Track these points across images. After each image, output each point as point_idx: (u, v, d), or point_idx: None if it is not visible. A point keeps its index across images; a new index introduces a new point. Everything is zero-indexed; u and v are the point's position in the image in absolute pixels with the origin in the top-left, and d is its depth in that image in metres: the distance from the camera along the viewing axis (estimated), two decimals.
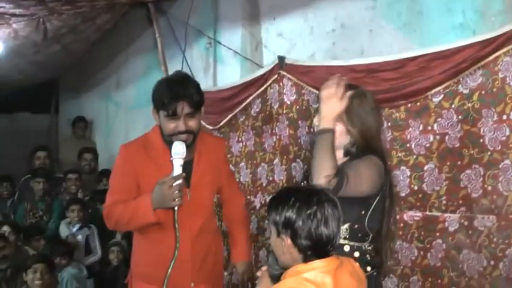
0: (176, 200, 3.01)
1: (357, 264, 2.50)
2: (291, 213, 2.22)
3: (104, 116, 8.69)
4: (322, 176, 2.55)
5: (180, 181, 3.02)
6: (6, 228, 5.68)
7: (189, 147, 3.15)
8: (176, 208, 3.06)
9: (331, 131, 2.65)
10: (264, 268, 2.55)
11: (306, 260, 2.23)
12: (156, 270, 3.21)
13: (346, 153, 2.80)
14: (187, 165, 3.18)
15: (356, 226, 2.71)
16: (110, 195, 3.31)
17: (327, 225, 2.19)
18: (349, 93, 2.73)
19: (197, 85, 3.21)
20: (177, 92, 3.08)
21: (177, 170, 3.04)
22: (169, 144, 3.11)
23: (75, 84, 9.42)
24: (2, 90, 8.76)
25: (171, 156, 3.06)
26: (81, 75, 9.05)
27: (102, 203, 6.19)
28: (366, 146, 2.77)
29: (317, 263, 2.22)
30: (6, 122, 10.05)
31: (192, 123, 3.13)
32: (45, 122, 10.12)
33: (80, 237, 6.14)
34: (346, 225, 2.69)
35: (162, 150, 3.20)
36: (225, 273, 3.64)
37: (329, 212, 2.21)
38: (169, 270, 3.11)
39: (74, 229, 6.18)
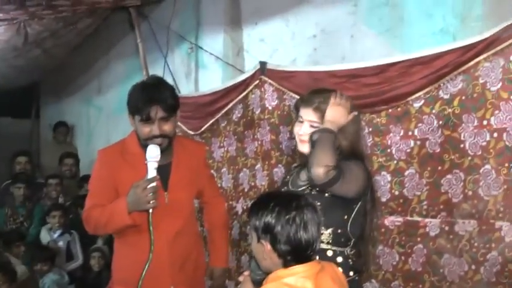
0: (150, 202, 3.01)
1: (339, 269, 2.51)
2: (270, 218, 2.22)
3: (86, 121, 8.63)
4: (322, 165, 2.56)
5: (154, 184, 3.02)
6: None
7: (165, 150, 3.16)
8: (151, 211, 3.04)
9: (334, 134, 2.68)
10: (246, 273, 2.55)
11: (286, 265, 2.24)
12: (133, 274, 3.18)
13: None
14: (165, 169, 3.20)
15: (339, 231, 2.71)
16: (89, 199, 3.32)
17: (306, 230, 2.20)
18: (355, 113, 2.81)
19: (172, 89, 3.23)
20: (151, 97, 3.10)
21: (152, 173, 3.04)
22: (145, 148, 3.11)
23: (56, 88, 9.35)
24: None
25: (146, 160, 3.07)
26: (63, 80, 8.99)
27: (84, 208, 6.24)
28: (350, 150, 2.79)
29: (298, 268, 2.22)
30: None
31: (167, 127, 3.15)
32: (26, 126, 10.01)
33: (61, 243, 6.10)
34: (329, 230, 2.70)
35: (138, 155, 3.20)
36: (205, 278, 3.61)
37: (308, 217, 2.22)
38: (143, 273, 3.10)
39: (55, 235, 6.13)
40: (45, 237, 6.14)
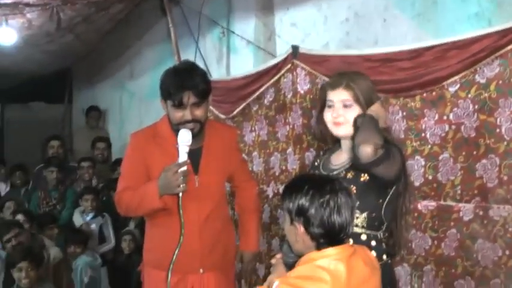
0: (180, 186, 3.05)
1: (371, 252, 2.51)
2: (304, 201, 2.24)
3: (118, 106, 8.71)
4: (372, 143, 2.48)
5: (184, 168, 3.06)
6: (20, 217, 5.73)
7: (197, 135, 3.20)
8: (181, 194, 3.09)
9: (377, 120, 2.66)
10: (279, 256, 2.56)
11: (318, 247, 2.25)
12: (163, 257, 3.25)
13: None
14: (196, 153, 3.23)
15: (373, 215, 2.70)
16: (121, 182, 3.37)
17: (339, 214, 2.21)
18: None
19: (203, 74, 3.25)
20: (183, 82, 3.11)
21: (183, 157, 3.09)
22: (176, 132, 3.15)
23: (88, 74, 9.45)
24: (16, 79, 8.80)
25: (177, 144, 3.10)
26: (95, 65, 9.07)
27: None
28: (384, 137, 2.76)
29: (330, 251, 2.23)
30: (20, 111, 10.10)
31: (199, 113, 3.17)
32: (59, 111, 10.15)
33: (93, 226, 6.18)
34: (364, 214, 2.68)
35: (169, 139, 3.24)
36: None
37: (342, 201, 2.23)
38: (174, 257, 3.15)
39: (88, 218, 6.22)
40: (78, 220, 6.23)
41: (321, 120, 2.87)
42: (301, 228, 2.26)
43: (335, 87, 2.76)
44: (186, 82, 3.11)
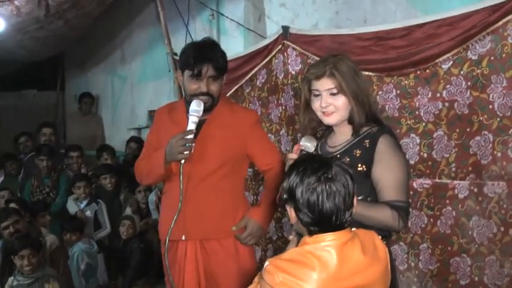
0: (183, 153, 3.11)
1: (379, 239, 2.38)
2: (293, 183, 2.17)
3: (110, 91, 8.68)
4: (386, 225, 2.58)
5: (189, 136, 3.11)
6: (13, 206, 5.71)
7: (208, 110, 3.27)
8: (183, 161, 3.15)
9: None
10: (294, 233, 2.54)
11: (310, 234, 2.18)
12: (162, 223, 3.46)
13: (354, 127, 2.76)
14: (200, 123, 3.26)
15: (369, 199, 2.68)
16: (142, 153, 3.61)
17: (329, 200, 2.12)
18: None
19: (223, 52, 3.34)
20: (204, 54, 3.22)
21: (190, 126, 3.16)
22: (189, 104, 3.22)
23: (80, 60, 9.39)
24: (7, 67, 8.74)
25: (188, 113, 3.19)
26: (86, 51, 9.02)
27: (105, 178, 6.32)
28: (370, 113, 2.74)
29: (323, 236, 2.15)
30: (13, 99, 10.05)
31: (214, 87, 3.27)
32: (51, 98, 10.10)
33: (88, 212, 6.17)
34: (359, 198, 2.63)
35: (182, 111, 3.38)
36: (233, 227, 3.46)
37: (333, 188, 2.13)
38: (172, 224, 3.22)
39: (82, 205, 6.20)
40: (72, 207, 6.21)
41: (308, 109, 2.84)
42: (293, 212, 2.21)
43: (319, 76, 2.72)
44: (207, 54, 3.22)
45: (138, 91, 7.72)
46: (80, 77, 9.51)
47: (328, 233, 2.15)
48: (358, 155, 2.68)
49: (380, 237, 2.63)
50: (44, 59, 8.69)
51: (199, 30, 6.26)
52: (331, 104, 2.71)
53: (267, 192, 3.56)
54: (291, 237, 2.56)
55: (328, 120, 2.77)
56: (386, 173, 2.63)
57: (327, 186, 2.13)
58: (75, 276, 5.57)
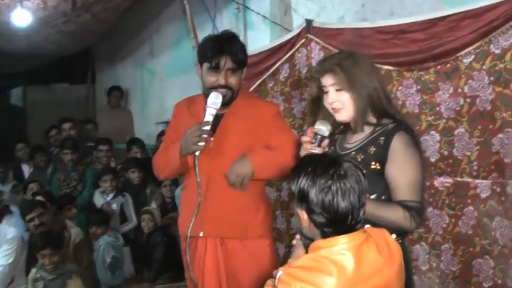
0: (197, 145, 3.07)
1: (390, 236, 2.33)
2: (304, 184, 2.10)
3: (139, 85, 8.70)
4: (398, 225, 2.52)
5: (205, 127, 3.07)
6: (40, 198, 5.75)
7: (227, 104, 3.23)
8: (197, 153, 3.11)
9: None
10: (298, 237, 2.47)
11: (324, 236, 2.11)
12: (182, 218, 3.40)
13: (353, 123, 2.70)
14: (219, 117, 3.23)
15: (383, 197, 2.61)
16: (160, 147, 3.56)
17: (344, 199, 2.05)
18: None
19: (242, 45, 3.30)
20: (222, 46, 3.18)
21: (207, 117, 3.12)
22: (207, 96, 3.20)
23: (110, 53, 9.44)
24: (37, 61, 8.82)
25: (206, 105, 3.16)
26: (115, 45, 9.06)
27: (133, 171, 6.33)
28: (381, 110, 2.67)
29: (337, 239, 2.08)
30: (44, 92, 10.16)
31: (232, 80, 3.22)
32: (82, 92, 10.18)
33: (114, 205, 6.20)
34: (373, 196, 2.59)
35: (200, 104, 3.30)
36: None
37: (347, 186, 2.06)
38: (193, 219, 3.18)
39: (109, 198, 6.24)
40: (98, 200, 6.26)
41: (320, 106, 2.77)
42: (305, 215, 2.14)
43: (322, 72, 2.69)
44: (225, 47, 3.19)
45: (166, 85, 7.72)
46: (110, 70, 9.56)
47: (342, 235, 2.08)
48: (372, 152, 2.62)
49: (395, 235, 2.57)
50: (72, 52, 8.76)
51: (226, 24, 6.22)
52: (338, 100, 2.66)
53: (274, 152, 3.29)
54: (294, 241, 2.49)
55: (338, 117, 2.71)
56: (399, 171, 2.57)
57: (341, 184, 2.06)
58: (100, 269, 5.60)
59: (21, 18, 6.04)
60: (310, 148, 2.64)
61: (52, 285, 4.74)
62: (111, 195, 6.25)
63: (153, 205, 6.20)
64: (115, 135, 7.80)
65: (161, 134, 7.17)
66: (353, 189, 2.07)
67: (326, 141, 2.66)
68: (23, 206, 5.62)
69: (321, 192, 2.06)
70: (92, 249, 5.71)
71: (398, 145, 2.58)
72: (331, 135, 2.77)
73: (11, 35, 6.83)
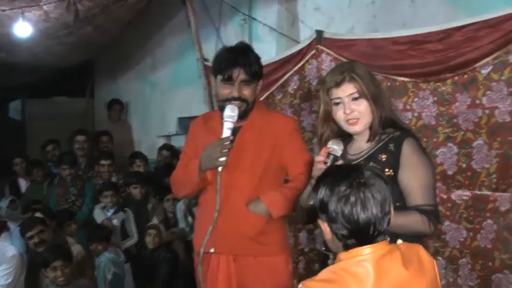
0: (219, 160, 3.06)
1: (424, 251, 2.21)
2: (324, 195, 2.03)
3: (140, 98, 8.63)
4: (419, 231, 2.52)
5: (226, 143, 3.06)
6: (38, 215, 5.64)
7: (242, 116, 3.21)
8: (220, 169, 3.10)
9: None
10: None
11: (346, 248, 2.04)
12: (197, 233, 3.38)
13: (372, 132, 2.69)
14: (235, 131, 3.20)
15: (398, 204, 2.55)
16: (178, 164, 3.55)
17: (364, 210, 1.98)
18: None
19: (257, 57, 3.28)
20: (235, 58, 3.18)
21: (226, 132, 3.10)
22: (222, 110, 3.18)
23: (110, 66, 9.37)
24: (37, 73, 8.75)
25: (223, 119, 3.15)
26: (117, 58, 8.99)
27: (135, 187, 6.23)
28: (387, 118, 2.67)
29: (358, 251, 2.01)
30: (42, 106, 10.05)
31: (246, 92, 3.20)
32: (81, 105, 10.11)
33: (115, 221, 6.07)
34: None
35: (217, 119, 3.30)
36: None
37: (367, 195, 1.98)
38: (207, 236, 3.17)
39: (109, 213, 6.11)
40: (99, 216, 6.13)
41: (329, 120, 2.76)
42: (327, 227, 2.06)
43: (339, 83, 2.65)
44: (238, 58, 3.17)
45: (168, 98, 7.66)
46: (110, 83, 9.49)
47: (363, 247, 2.01)
48: (384, 159, 2.62)
49: None
50: (73, 65, 8.68)
51: (231, 35, 6.15)
52: (355, 110, 2.64)
53: (287, 185, 3.34)
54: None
55: (354, 129, 2.69)
56: (413, 177, 2.58)
57: (361, 193, 1.99)
58: (101, 286, 5.48)
59: (23, 29, 5.96)
60: (323, 168, 2.57)
61: None
62: (111, 211, 6.13)
63: (155, 220, 6.10)
64: (115, 149, 7.72)
65: (163, 147, 7.14)
66: (374, 199, 2.00)
67: (340, 162, 2.60)
68: (22, 224, 5.49)
69: (340, 202, 1.99)
70: (94, 266, 5.60)
71: (409, 151, 2.60)
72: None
73: (13, 46, 6.75)
